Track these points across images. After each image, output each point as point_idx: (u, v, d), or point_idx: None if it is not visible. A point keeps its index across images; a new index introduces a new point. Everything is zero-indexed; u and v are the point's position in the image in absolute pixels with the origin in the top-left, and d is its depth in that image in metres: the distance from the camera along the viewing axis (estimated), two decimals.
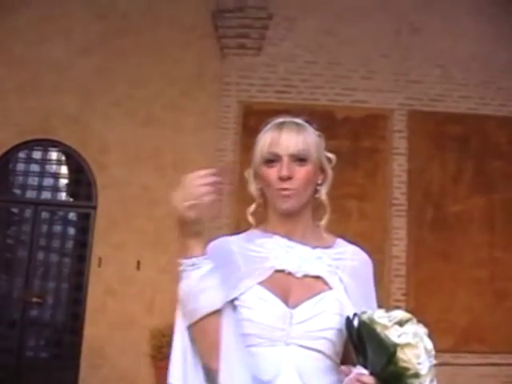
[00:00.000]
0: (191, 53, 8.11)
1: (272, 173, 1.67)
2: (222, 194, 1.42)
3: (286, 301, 1.61)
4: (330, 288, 1.64)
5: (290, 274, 1.65)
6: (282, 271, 1.65)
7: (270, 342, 1.59)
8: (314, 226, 1.74)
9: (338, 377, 1.62)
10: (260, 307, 1.60)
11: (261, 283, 1.63)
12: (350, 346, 1.53)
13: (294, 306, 1.61)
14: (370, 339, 1.46)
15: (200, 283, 1.56)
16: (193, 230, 1.58)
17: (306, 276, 1.65)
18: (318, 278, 1.65)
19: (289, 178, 1.64)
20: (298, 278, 1.64)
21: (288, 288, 1.63)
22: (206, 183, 1.52)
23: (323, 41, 7.97)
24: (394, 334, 1.44)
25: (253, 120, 7.47)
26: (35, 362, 8.03)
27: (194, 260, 1.57)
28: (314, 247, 1.69)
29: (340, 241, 1.76)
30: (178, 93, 8.03)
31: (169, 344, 1.69)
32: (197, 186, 1.52)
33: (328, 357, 1.61)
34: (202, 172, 1.54)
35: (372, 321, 1.47)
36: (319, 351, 1.59)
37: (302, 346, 1.58)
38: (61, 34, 8.21)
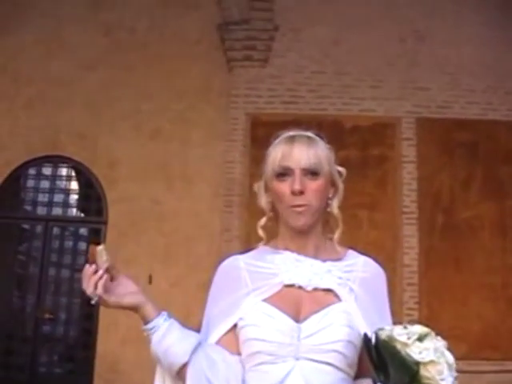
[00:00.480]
0: (198, 66, 8.13)
1: (284, 187, 1.65)
2: (113, 270, 1.51)
3: (297, 315, 1.60)
4: (340, 300, 1.63)
5: (300, 287, 1.63)
6: (291, 286, 1.64)
7: (280, 359, 1.57)
8: (325, 240, 1.73)
9: None
10: (266, 324, 1.58)
11: (266, 299, 1.62)
12: (369, 364, 1.51)
13: (304, 320, 1.59)
14: (391, 358, 1.44)
15: (162, 344, 1.60)
16: (131, 307, 1.64)
17: (316, 289, 1.64)
18: (328, 291, 1.64)
19: (301, 193, 1.62)
20: (308, 291, 1.63)
21: (299, 302, 1.62)
22: (89, 276, 1.58)
23: (329, 51, 7.98)
24: (415, 352, 1.42)
25: (261, 131, 7.47)
26: (48, 378, 8.05)
27: (150, 324, 1.62)
28: (324, 260, 1.68)
29: (351, 252, 1.75)
30: (185, 106, 8.06)
31: None
32: (85, 284, 1.58)
33: (340, 369, 1.58)
34: (85, 268, 1.59)
35: (391, 339, 1.45)
36: (330, 364, 1.57)
37: (311, 359, 1.57)
38: (67, 50, 8.27)
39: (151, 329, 1.62)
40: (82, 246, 8.81)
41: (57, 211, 8.50)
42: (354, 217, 7.19)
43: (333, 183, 1.71)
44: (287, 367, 1.56)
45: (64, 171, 8.58)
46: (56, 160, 8.35)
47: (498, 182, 7.77)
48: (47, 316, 8.06)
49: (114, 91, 8.15)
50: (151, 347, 1.61)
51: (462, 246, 7.58)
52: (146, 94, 8.09)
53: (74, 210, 8.83)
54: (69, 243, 8.73)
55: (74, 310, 8.53)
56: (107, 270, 1.58)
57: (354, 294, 1.65)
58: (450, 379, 1.43)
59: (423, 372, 1.41)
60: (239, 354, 1.64)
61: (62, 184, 8.67)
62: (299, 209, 1.63)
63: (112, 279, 1.62)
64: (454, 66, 8.00)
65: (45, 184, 8.48)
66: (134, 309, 1.63)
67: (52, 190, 8.49)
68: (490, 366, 7.27)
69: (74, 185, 8.70)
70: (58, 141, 8.13)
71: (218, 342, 1.65)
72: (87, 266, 1.58)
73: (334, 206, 1.71)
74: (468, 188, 7.76)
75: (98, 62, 8.21)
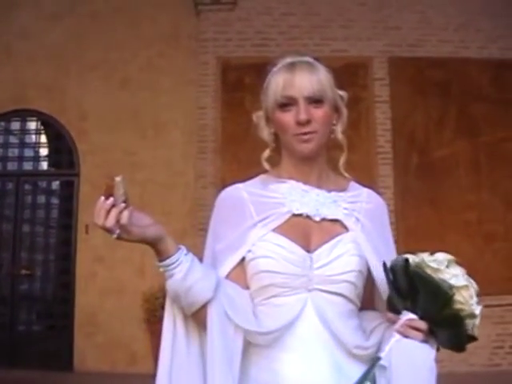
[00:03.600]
0: (165, 11, 7.96)
1: (288, 117, 1.59)
2: (128, 205, 1.38)
3: (307, 245, 1.56)
4: (348, 231, 1.60)
5: (308, 217, 1.59)
6: (299, 215, 1.59)
7: (292, 291, 1.53)
8: (329, 169, 1.70)
9: (358, 320, 1.60)
10: (277, 255, 1.54)
11: (275, 230, 1.57)
12: (392, 292, 1.49)
13: (315, 250, 1.56)
14: (424, 284, 1.43)
15: (185, 280, 1.48)
16: (155, 239, 1.48)
17: (323, 219, 1.60)
18: (335, 221, 1.61)
19: (307, 122, 1.56)
20: (316, 221, 1.59)
21: (308, 232, 1.58)
22: (106, 209, 1.42)
23: None
24: (447, 277, 1.43)
25: (232, 76, 7.40)
26: (28, 336, 8.00)
27: (171, 259, 1.48)
28: (329, 191, 1.64)
29: (354, 183, 1.72)
30: (154, 53, 7.92)
31: (162, 306, 1.65)
32: (102, 217, 1.42)
33: (350, 300, 1.57)
34: (99, 202, 1.43)
35: (423, 265, 1.45)
36: (341, 295, 1.55)
37: (324, 290, 1.54)
38: (30, 1, 8.05)
39: (173, 263, 1.48)
40: (55, 200, 8.71)
41: (27, 166, 8.36)
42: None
43: (336, 108, 1.66)
44: (301, 299, 1.53)
45: (33, 125, 8.41)
46: (24, 114, 8.18)
47: (471, 119, 7.77)
48: (24, 272, 7.97)
49: (80, 42, 7.97)
50: (171, 284, 1.50)
51: (437, 185, 7.61)
52: (113, 43, 7.92)
53: (45, 165, 8.71)
54: (41, 198, 8.60)
55: (50, 266, 8.46)
56: (125, 204, 1.44)
57: (361, 224, 1.62)
58: (479, 305, 1.44)
59: (457, 297, 1.42)
60: (248, 288, 1.59)
61: (31, 138, 8.52)
62: (306, 136, 1.57)
63: (131, 214, 1.45)
64: (424, 4, 7.93)
65: (13, 139, 8.32)
66: (156, 242, 1.47)
67: (21, 145, 8.34)
68: None
69: (44, 139, 8.55)
70: (25, 95, 7.96)
71: (227, 277, 1.58)
72: (102, 198, 1.42)
73: (339, 132, 1.67)
74: (442, 126, 7.77)
75: (63, 13, 8.01)
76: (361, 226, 1.62)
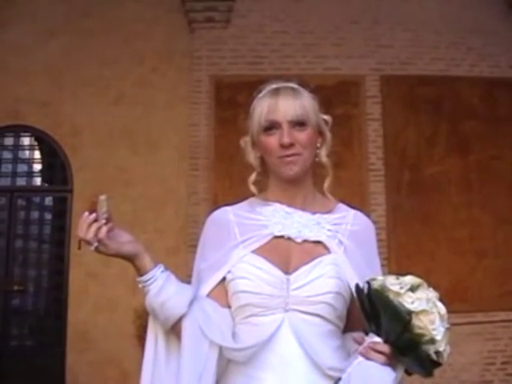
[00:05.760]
0: (159, 29, 7.99)
1: (272, 141, 1.65)
2: (110, 222, 1.51)
3: (286, 267, 1.60)
4: (330, 252, 1.63)
5: (289, 239, 1.64)
6: (281, 237, 1.64)
7: (269, 311, 1.58)
8: (315, 192, 1.74)
9: (341, 341, 1.63)
10: (254, 276, 1.59)
11: (255, 251, 1.62)
12: (361, 314, 1.52)
13: (293, 272, 1.60)
14: (384, 307, 1.45)
15: (159, 296, 1.59)
16: (130, 255, 1.61)
17: (305, 241, 1.64)
18: (317, 243, 1.65)
19: (291, 145, 1.62)
20: (297, 243, 1.64)
21: (288, 254, 1.63)
22: (88, 224, 1.57)
23: (291, 10, 7.89)
24: (407, 301, 1.44)
25: (225, 93, 7.44)
26: (20, 351, 7.98)
27: (147, 275, 1.60)
28: (314, 213, 1.69)
29: (341, 205, 1.76)
30: (147, 70, 7.93)
31: None
32: (84, 230, 1.57)
33: (329, 321, 1.60)
34: (82, 216, 1.59)
35: (384, 288, 1.47)
36: (319, 316, 1.58)
37: (301, 311, 1.57)
38: (25, 16, 8.06)
39: (148, 280, 1.60)
40: (48, 216, 8.71)
41: (21, 182, 8.37)
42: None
43: (320, 132, 1.72)
44: (277, 319, 1.57)
45: (27, 141, 8.43)
46: (18, 130, 8.18)
47: (462, 136, 7.82)
48: (16, 288, 7.96)
49: (74, 58, 7.96)
50: (147, 299, 1.60)
51: (428, 202, 7.64)
52: (107, 60, 7.93)
53: (39, 180, 8.72)
54: (35, 214, 8.61)
55: (43, 281, 8.45)
56: (106, 221, 1.59)
57: (344, 246, 1.66)
58: (442, 329, 1.45)
59: (415, 321, 1.43)
60: (229, 306, 1.65)
61: (24, 154, 8.54)
62: (290, 158, 1.63)
63: (110, 230, 1.60)
64: (416, 22, 7.98)
65: (7, 155, 8.33)
66: (132, 258, 1.61)
67: (15, 161, 8.33)
68: (460, 319, 7.37)
69: (37, 154, 8.57)
70: (18, 110, 7.94)
71: (208, 296, 1.65)
72: (86, 213, 1.58)
73: (323, 155, 1.72)
74: (433, 144, 7.81)
75: (57, 29, 8.01)
76: (344, 248, 1.65)
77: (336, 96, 7.67)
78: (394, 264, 7.31)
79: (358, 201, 7.45)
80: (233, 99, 7.20)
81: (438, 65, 7.92)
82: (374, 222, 6.75)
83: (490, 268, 7.54)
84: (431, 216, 7.60)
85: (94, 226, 1.56)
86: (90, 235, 1.55)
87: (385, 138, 7.76)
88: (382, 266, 6.29)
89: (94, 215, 1.56)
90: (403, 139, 7.78)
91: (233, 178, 6.80)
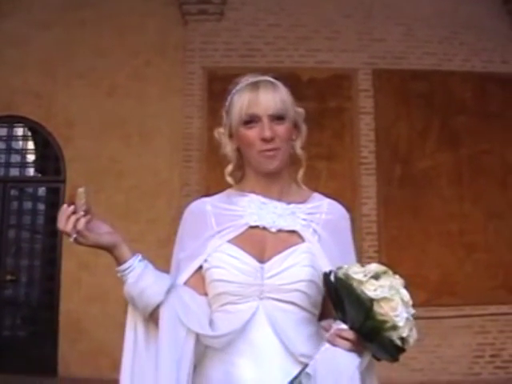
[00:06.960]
0: (152, 21, 8.01)
1: (252, 134, 1.66)
2: (89, 213, 1.54)
3: (261, 256, 1.64)
4: (304, 242, 1.66)
5: (264, 229, 1.67)
6: (256, 227, 1.67)
7: (244, 299, 1.61)
8: (290, 183, 1.77)
9: (316, 328, 1.65)
10: (229, 265, 1.62)
11: (231, 241, 1.65)
12: (329, 302, 1.56)
13: (267, 260, 1.63)
14: (347, 295, 1.47)
15: (137, 285, 1.61)
16: (109, 246, 1.65)
17: (280, 231, 1.67)
18: (292, 232, 1.67)
19: (271, 139, 1.64)
20: (272, 232, 1.66)
21: (263, 243, 1.66)
22: (67, 215, 1.58)
23: (285, 3, 7.93)
24: (369, 289, 1.46)
25: (218, 85, 7.40)
26: (13, 341, 7.98)
27: (125, 265, 1.63)
28: (289, 203, 1.71)
29: (316, 195, 1.77)
30: (141, 62, 7.95)
31: None
32: (63, 222, 1.58)
33: (303, 309, 1.63)
34: (61, 208, 1.60)
35: (348, 277, 1.49)
36: (293, 303, 1.61)
37: (275, 299, 1.61)
38: (20, 8, 8.07)
39: (126, 269, 1.63)
40: (41, 206, 8.73)
41: (14, 172, 8.38)
42: (312, 168, 7.14)
43: (295, 125, 1.73)
44: (252, 307, 1.61)
45: (20, 131, 8.45)
46: (11, 120, 8.20)
47: (454, 131, 7.87)
48: (9, 278, 7.98)
49: (68, 50, 7.98)
50: (125, 288, 1.62)
51: (419, 195, 7.69)
52: (101, 51, 7.95)
53: (32, 171, 8.73)
54: (27, 204, 8.63)
55: (35, 272, 8.46)
56: (85, 212, 1.60)
57: (318, 235, 1.68)
58: (405, 315, 1.46)
59: (377, 308, 1.45)
60: (206, 294, 1.68)
61: (18, 144, 8.55)
62: (271, 153, 1.65)
63: (88, 221, 1.61)
64: (409, 17, 8.02)
65: (1, 145, 8.35)
66: (111, 248, 1.64)
67: (8, 151, 8.36)
68: (449, 312, 7.45)
69: (31, 145, 8.58)
70: (12, 101, 7.96)
71: (185, 284, 1.68)
72: (65, 205, 1.60)
73: (298, 147, 1.74)
74: (425, 138, 7.85)
75: (52, 21, 8.01)
76: (318, 237, 1.68)
77: (328, 89, 7.72)
78: (385, 257, 7.35)
79: (349, 193, 7.53)
80: (226, 91, 7.18)
81: (430, 59, 7.96)
82: (365, 215, 6.80)
83: (479, 262, 7.59)
84: (422, 209, 7.64)
85: (73, 218, 1.57)
86: (68, 227, 1.57)
87: (377, 132, 7.80)
88: (373, 258, 6.36)
89: (72, 207, 1.58)
90: (395, 133, 7.82)
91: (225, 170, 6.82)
